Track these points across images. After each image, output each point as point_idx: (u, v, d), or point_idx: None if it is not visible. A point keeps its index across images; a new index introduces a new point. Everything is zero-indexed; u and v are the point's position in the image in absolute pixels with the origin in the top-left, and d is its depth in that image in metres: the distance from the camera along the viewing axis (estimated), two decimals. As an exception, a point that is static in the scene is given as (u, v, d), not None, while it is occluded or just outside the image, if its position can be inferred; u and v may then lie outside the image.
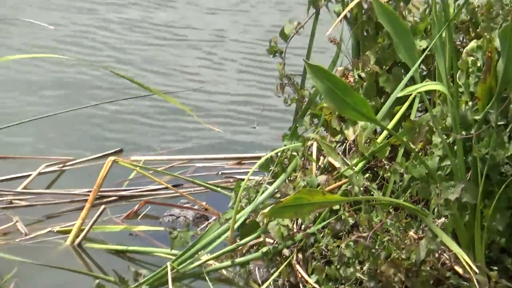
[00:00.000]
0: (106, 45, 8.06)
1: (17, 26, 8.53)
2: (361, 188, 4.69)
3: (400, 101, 4.86)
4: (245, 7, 9.00)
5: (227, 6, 8.89)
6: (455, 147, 4.63)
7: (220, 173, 5.72)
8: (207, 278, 4.78)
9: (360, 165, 4.79)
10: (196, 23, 8.41)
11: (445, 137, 4.65)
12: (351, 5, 4.93)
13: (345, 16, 5.08)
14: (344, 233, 4.74)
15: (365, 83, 5.00)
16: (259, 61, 7.00)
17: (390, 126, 4.82)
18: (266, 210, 4.70)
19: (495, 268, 4.70)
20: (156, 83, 7.07)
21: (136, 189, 5.65)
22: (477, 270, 4.57)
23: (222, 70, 7.36)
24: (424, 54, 4.70)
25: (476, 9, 4.95)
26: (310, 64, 4.61)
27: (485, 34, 4.72)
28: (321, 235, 4.77)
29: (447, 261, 4.72)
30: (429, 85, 4.62)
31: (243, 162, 5.73)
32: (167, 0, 9.12)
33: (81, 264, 5.16)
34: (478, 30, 4.89)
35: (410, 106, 4.95)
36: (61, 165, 5.84)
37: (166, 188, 5.54)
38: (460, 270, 4.70)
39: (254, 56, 7.41)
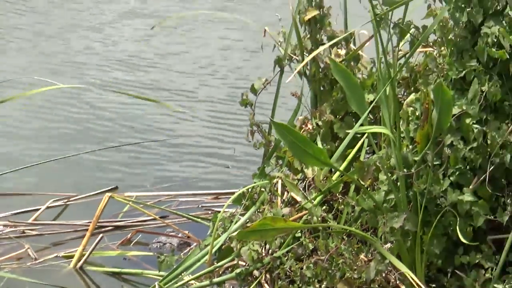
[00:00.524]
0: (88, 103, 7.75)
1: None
2: (319, 218, 4.61)
3: (351, 144, 4.76)
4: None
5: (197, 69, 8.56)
6: (398, 183, 4.55)
7: (200, 206, 5.66)
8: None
9: (318, 199, 4.73)
10: (168, 84, 8.15)
11: (390, 174, 4.57)
12: (306, 60, 4.81)
13: (305, 74, 4.98)
14: (305, 256, 4.70)
15: (322, 130, 4.93)
16: (231, 113, 6.80)
17: (343, 166, 4.79)
18: (235, 233, 4.60)
19: (433, 285, 4.58)
20: (136, 137, 6.97)
21: (129, 220, 5.55)
22: (421, 287, 4.45)
23: (196, 123, 7.15)
24: (371, 105, 4.61)
25: (415, 67, 4.82)
26: (275, 122, 4.66)
27: (422, 88, 4.61)
28: (286, 258, 4.70)
29: (393, 280, 4.58)
30: (376, 128, 4.55)
31: (219, 197, 5.68)
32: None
33: (82, 285, 5.07)
34: (416, 85, 4.77)
35: (360, 149, 4.83)
36: (65, 200, 5.77)
37: (155, 219, 5.48)
38: None
39: (227, 109, 7.21)
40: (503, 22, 4.65)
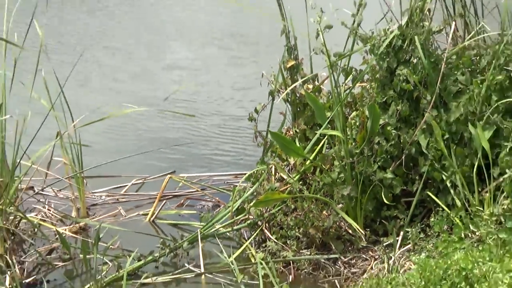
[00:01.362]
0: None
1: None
2: (297, 189, 4.56)
3: (317, 143, 4.71)
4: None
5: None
6: (346, 167, 4.51)
7: (225, 182, 5.58)
8: (217, 238, 4.69)
9: (297, 177, 4.65)
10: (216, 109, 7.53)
11: (341, 161, 4.54)
12: (287, 91, 4.84)
13: (288, 100, 4.94)
14: (289, 212, 4.60)
15: (298, 135, 4.88)
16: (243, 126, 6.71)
17: (312, 156, 4.67)
18: (251, 204, 4.60)
19: (368, 230, 4.58)
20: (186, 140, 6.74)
21: (182, 192, 5.48)
22: (360, 231, 4.52)
23: (219, 133, 6.88)
24: (329, 119, 4.55)
25: (355, 95, 4.83)
26: (270, 131, 4.66)
27: (360, 108, 4.65)
28: (278, 214, 4.62)
29: (343, 227, 4.58)
30: (332, 132, 4.53)
31: (237, 176, 5.59)
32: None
33: (154, 232, 5.04)
34: (356, 106, 4.78)
35: (323, 146, 4.75)
36: (143, 179, 5.69)
37: (197, 191, 5.42)
38: (350, 231, 4.57)
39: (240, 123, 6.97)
40: (409, 67, 4.53)
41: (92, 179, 5.56)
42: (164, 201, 5.36)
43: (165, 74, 8.43)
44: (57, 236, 4.73)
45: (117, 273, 4.40)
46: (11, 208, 4.68)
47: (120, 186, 5.66)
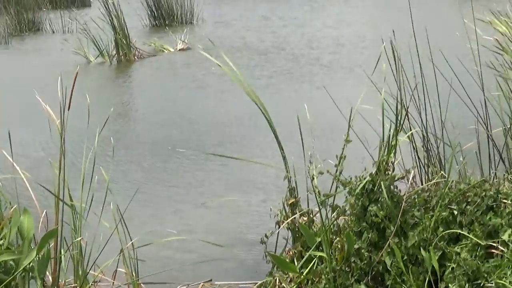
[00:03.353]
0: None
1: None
2: None
3: (311, 261, 5.51)
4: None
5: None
6: (330, 280, 5.30)
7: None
8: None
9: (294, 287, 5.46)
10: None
11: (326, 276, 5.37)
12: (288, 220, 5.81)
13: (289, 228, 5.88)
14: None
15: (296, 255, 5.75)
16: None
17: (306, 272, 5.43)
18: None
19: None
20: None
21: None
22: None
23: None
24: (317, 242, 5.48)
25: (340, 226, 5.72)
26: (270, 253, 5.62)
27: (342, 236, 5.57)
28: None
29: None
30: (320, 253, 5.44)
31: (256, 283, 5.90)
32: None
33: None
34: (341, 233, 5.68)
35: (315, 263, 5.52)
36: (186, 285, 6.23)
37: None
38: None
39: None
40: (378, 205, 5.44)
41: (147, 285, 6.16)
42: (201, 304, 5.81)
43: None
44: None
45: None
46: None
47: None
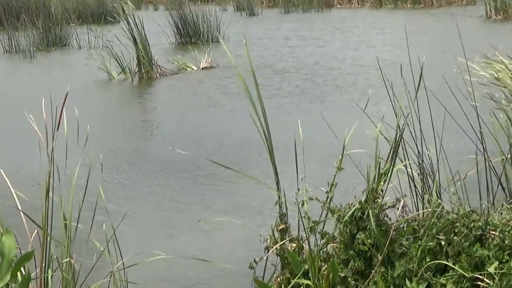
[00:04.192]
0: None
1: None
2: None
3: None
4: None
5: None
6: None
7: None
8: None
9: None
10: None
11: None
12: (277, 246, 5.86)
13: (278, 254, 5.87)
14: None
15: (284, 281, 5.76)
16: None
17: None
18: None
19: None
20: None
21: None
22: None
23: None
24: (303, 270, 5.51)
25: (328, 252, 5.77)
26: (256, 280, 5.62)
27: (328, 264, 5.55)
28: None
29: None
30: (306, 281, 5.47)
31: None
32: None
33: None
34: (327, 261, 5.70)
35: None
36: None
37: None
38: None
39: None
40: (366, 233, 5.44)
41: None
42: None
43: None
44: None
45: None
46: None
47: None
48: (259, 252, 6.06)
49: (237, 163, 10.18)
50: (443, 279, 5.32)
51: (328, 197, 5.89)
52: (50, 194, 5.44)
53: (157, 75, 17.79)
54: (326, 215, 5.90)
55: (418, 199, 6.32)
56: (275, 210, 6.19)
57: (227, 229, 7.99)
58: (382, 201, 5.75)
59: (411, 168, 6.38)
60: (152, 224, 8.39)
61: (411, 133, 6.41)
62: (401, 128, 6.08)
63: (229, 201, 8.90)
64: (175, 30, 22.90)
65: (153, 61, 17.84)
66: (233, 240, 7.63)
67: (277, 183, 6.18)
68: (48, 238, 5.54)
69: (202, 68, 18.20)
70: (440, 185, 6.13)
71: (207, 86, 16.13)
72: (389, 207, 5.77)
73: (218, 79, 16.48)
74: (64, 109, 5.35)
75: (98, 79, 17.21)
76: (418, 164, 6.49)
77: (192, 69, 18.28)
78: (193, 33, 22.86)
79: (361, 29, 24.24)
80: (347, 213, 5.71)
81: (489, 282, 5.21)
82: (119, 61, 17.46)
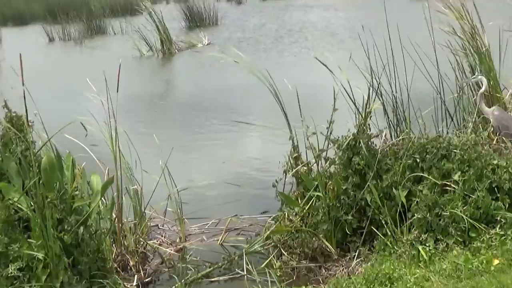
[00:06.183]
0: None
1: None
2: (299, 225, 5.14)
3: (311, 199, 5.39)
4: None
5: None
6: (325, 212, 5.12)
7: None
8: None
9: (298, 218, 5.25)
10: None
11: (322, 209, 5.22)
12: (294, 171, 5.64)
13: (293, 175, 5.67)
14: (295, 238, 5.23)
15: (299, 195, 5.58)
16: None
17: (308, 206, 5.28)
18: (269, 232, 5.05)
19: (338, 248, 5.14)
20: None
21: (240, 226, 5.70)
22: (333, 250, 5.01)
23: None
24: (315, 186, 5.32)
25: (332, 173, 5.50)
26: (280, 192, 5.46)
27: (333, 179, 5.35)
28: (288, 239, 5.23)
29: (324, 247, 5.12)
30: (317, 193, 5.23)
31: (270, 217, 5.62)
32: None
33: (221, 250, 5.42)
34: (333, 178, 5.40)
35: (313, 201, 5.35)
36: (217, 219, 6.00)
37: (247, 226, 5.69)
38: (328, 250, 5.10)
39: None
40: (359, 156, 5.23)
41: (189, 220, 5.95)
42: (227, 232, 5.64)
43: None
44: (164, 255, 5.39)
45: (196, 275, 5.00)
46: (141, 237, 5.45)
47: (204, 224, 5.97)
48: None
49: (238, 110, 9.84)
50: (420, 187, 5.15)
51: (328, 131, 5.61)
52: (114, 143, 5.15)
53: (176, 50, 17.47)
54: (328, 144, 5.63)
55: (392, 129, 6.03)
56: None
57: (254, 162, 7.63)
58: (369, 132, 5.51)
59: (388, 106, 6.10)
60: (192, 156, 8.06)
61: (388, 79, 6.08)
62: (379, 77, 5.82)
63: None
64: (184, 17, 22.40)
65: (171, 41, 17.49)
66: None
67: (288, 124, 5.92)
68: (119, 173, 5.29)
69: (207, 44, 17.76)
70: (410, 120, 5.80)
71: (210, 57, 15.76)
72: (375, 136, 5.53)
73: (217, 51, 16.16)
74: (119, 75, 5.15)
75: (132, 55, 16.72)
76: (392, 104, 6.21)
77: (199, 45, 17.86)
78: (198, 19, 22.40)
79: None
80: (344, 142, 5.45)
81: (455, 186, 5.04)
82: (147, 41, 17.01)
